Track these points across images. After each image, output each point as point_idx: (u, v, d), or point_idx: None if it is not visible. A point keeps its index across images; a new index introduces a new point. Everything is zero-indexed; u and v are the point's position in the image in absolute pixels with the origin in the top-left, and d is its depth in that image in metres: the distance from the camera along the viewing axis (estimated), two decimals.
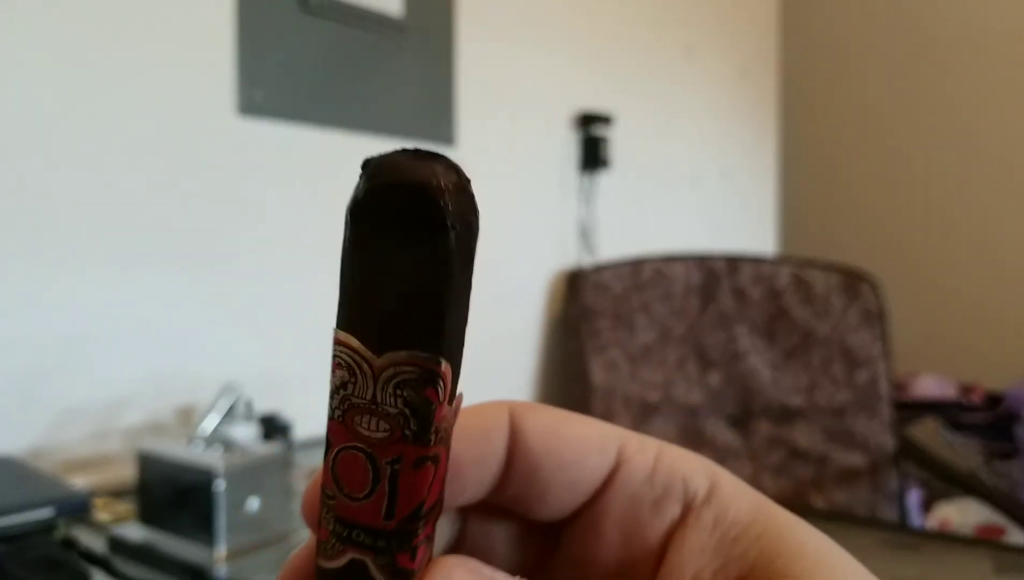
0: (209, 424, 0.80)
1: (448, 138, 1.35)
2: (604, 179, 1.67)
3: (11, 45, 0.87)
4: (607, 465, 0.19)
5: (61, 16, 0.90)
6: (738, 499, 0.18)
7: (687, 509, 0.18)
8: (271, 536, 0.67)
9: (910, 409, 1.74)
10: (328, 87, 1.17)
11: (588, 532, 0.19)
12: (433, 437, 0.14)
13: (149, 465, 0.68)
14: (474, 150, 1.39)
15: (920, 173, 2.20)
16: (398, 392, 0.14)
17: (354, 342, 0.14)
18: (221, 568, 0.63)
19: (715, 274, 1.65)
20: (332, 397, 0.15)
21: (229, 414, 0.82)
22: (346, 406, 0.14)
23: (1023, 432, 1.57)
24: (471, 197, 0.14)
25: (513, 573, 0.17)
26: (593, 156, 1.65)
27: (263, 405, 0.94)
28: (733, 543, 0.18)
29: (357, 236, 0.14)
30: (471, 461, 0.18)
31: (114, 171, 0.96)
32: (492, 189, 1.45)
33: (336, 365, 0.14)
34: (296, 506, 0.76)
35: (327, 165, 1.17)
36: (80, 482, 0.81)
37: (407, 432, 0.14)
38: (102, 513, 0.75)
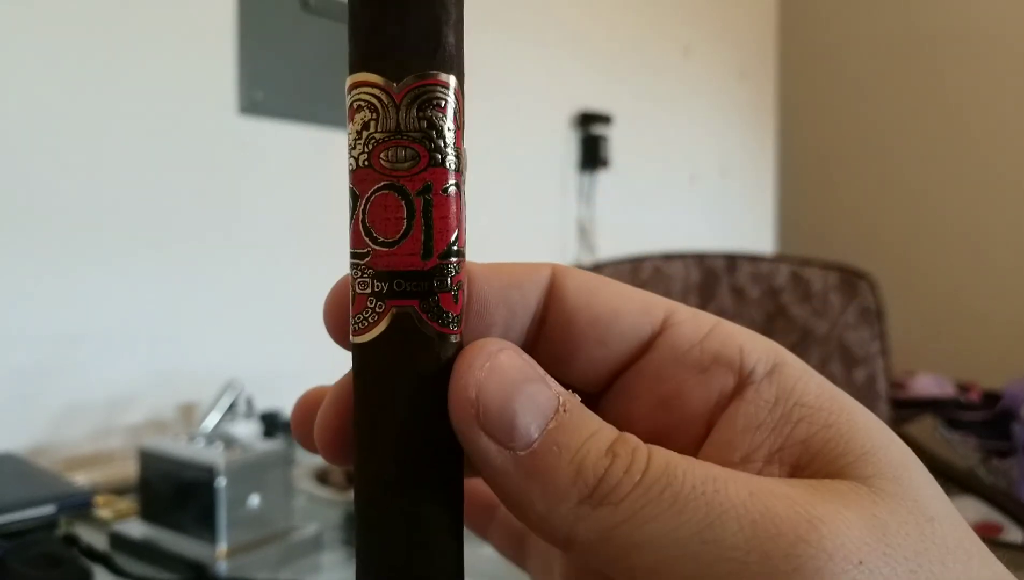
0: (210, 421, 0.80)
1: None
2: (603, 178, 1.68)
3: (13, 44, 0.87)
4: (649, 327, 0.18)
5: (63, 15, 0.91)
6: (806, 381, 0.17)
7: (743, 382, 0.17)
8: (272, 533, 0.68)
9: (908, 407, 1.74)
10: (329, 86, 1.17)
11: (626, 395, 0.18)
12: (456, 161, 0.15)
13: (150, 462, 0.68)
14: (474, 150, 1.39)
15: (917, 173, 2.20)
16: (419, 114, 0.15)
17: (373, 77, 0.15)
18: (222, 564, 0.63)
19: (714, 273, 1.65)
20: (354, 145, 0.15)
21: (230, 411, 0.82)
22: (371, 145, 0.15)
23: (1020, 430, 1.58)
24: None
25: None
26: (593, 155, 1.65)
27: (264, 402, 0.94)
28: (796, 426, 0.16)
29: None
30: (497, 302, 0.17)
31: (115, 169, 0.96)
32: (492, 188, 1.45)
33: (355, 110, 0.15)
34: (297, 503, 0.76)
35: (327, 164, 1.17)
36: (82, 479, 0.81)
37: (434, 154, 0.15)
38: (103, 510, 0.75)
